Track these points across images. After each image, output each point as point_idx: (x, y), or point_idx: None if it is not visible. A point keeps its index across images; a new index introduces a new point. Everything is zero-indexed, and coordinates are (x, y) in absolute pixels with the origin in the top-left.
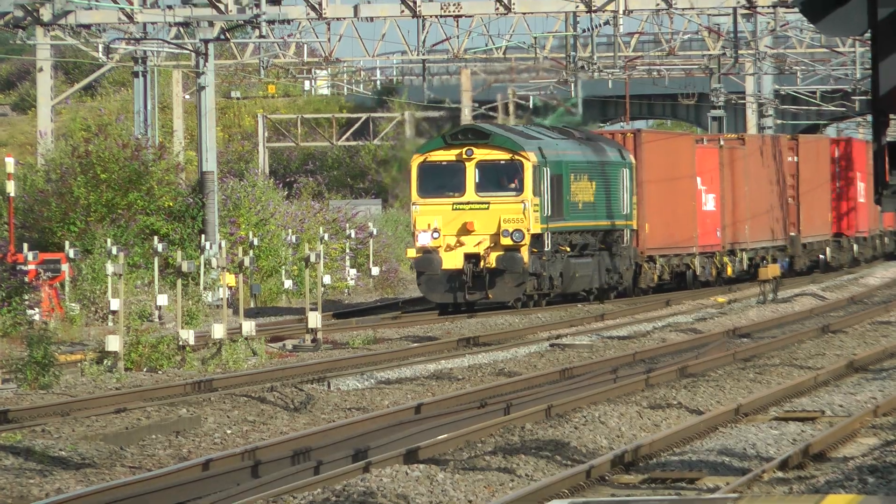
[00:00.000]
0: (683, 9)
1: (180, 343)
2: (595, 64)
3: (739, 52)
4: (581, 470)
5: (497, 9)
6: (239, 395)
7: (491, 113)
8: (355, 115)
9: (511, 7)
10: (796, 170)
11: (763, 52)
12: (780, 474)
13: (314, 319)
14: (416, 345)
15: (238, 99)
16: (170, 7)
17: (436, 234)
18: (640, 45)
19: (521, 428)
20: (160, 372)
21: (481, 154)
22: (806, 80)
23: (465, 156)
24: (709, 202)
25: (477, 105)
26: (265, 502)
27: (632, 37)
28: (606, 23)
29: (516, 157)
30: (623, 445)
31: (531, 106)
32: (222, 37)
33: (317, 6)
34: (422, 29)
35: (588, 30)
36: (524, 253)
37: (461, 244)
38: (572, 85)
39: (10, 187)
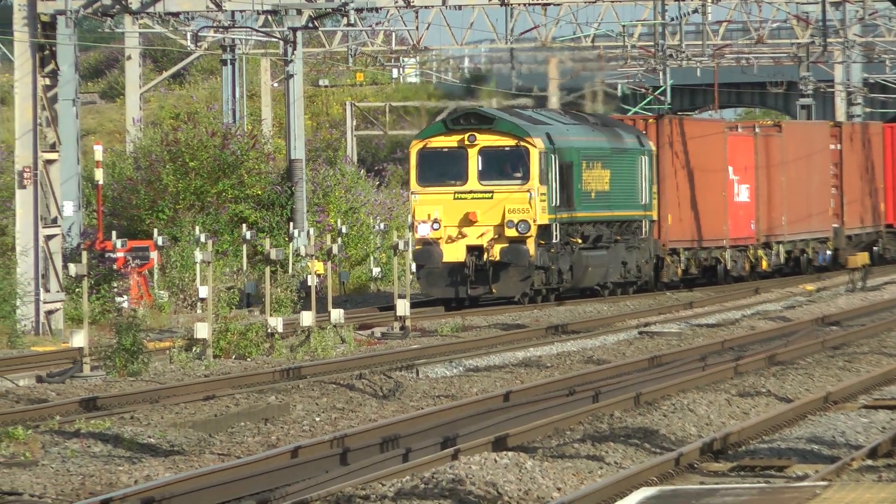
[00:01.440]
0: None
1: (269, 331)
2: (683, 52)
3: (828, 40)
4: (670, 458)
5: None
6: (327, 382)
7: (579, 101)
8: (443, 104)
9: None
10: (839, 158)
11: (852, 40)
12: (869, 462)
13: (402, 307)
14: (504, 332)
15: (326, 87)
16: None
17: (436, 225)
18: (728, 34)
19: (610, 416)
20: (249, 359)
21: (484, 140)
22: (895, 68)
23: (467, 142)
24: (741, 192)
25: (565, 93)
26: (354, 489)
27: (720, 25)
28: (695, 11)
29: (522, 142)
30: (712, 433)
31: (619, 94)
32: (310, 25)
33: None
34: (510, 17)
35: (676, 18)
36: (530, 245)
37: (463, 236)
38: (660, 73)
39: (99, 175)
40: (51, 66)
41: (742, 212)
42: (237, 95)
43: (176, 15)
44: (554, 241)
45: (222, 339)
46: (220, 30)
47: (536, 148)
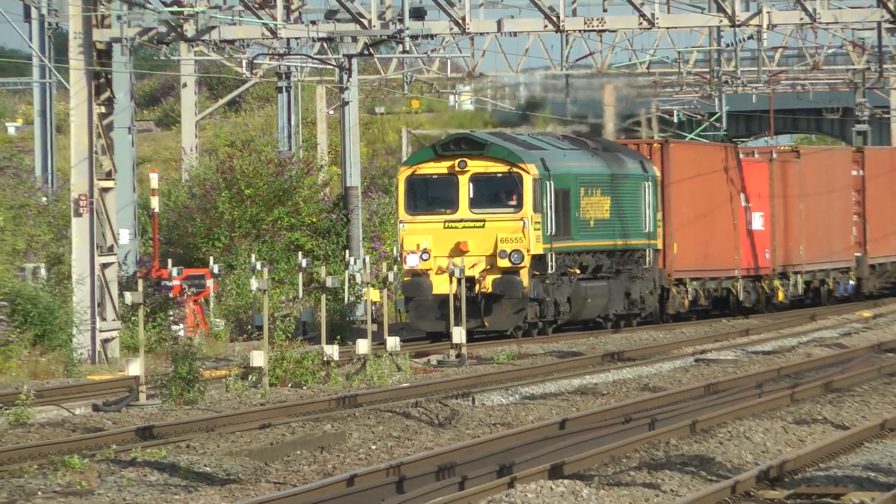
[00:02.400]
0: (827, 23)
1: (325, 359)
2: (739, 78)
3: (884, 66)
4: (726, 485)
5: (640, 23)
6: (383, 410)
7: (635, 128)
8: (499, 130)
9: (654, 22)
10: (862, 184)
11: None
12: None
13: (458, 335)
14: (560, 360)
15: (382, 114)
16: (313, 22)
17: (425, 256)
18: (784, 60)
19: (666, 443)
20: (305, 387)
21: (476, 166)
22: None
23: (457, 168)
24: (755, 220)
25: (620, 120)
26: None
27: (776, 51)
28: (750, 37)
29: (514, 169)
30: (768, 460)
31: (675, 120)
32: (366, 52)
33: (460, 21)
34: (565, 44)
35: (732, 44)
36: (524, 276)
37: (455, 266)
38: (716, 99)
39: (155, 203)
40: (106, 94)
41: (756, 240)
42: (292, 123)
43: (231, 42)
44: (550, 271)
45: (278, 367)
46: (276, 57)
47: (530, 174)
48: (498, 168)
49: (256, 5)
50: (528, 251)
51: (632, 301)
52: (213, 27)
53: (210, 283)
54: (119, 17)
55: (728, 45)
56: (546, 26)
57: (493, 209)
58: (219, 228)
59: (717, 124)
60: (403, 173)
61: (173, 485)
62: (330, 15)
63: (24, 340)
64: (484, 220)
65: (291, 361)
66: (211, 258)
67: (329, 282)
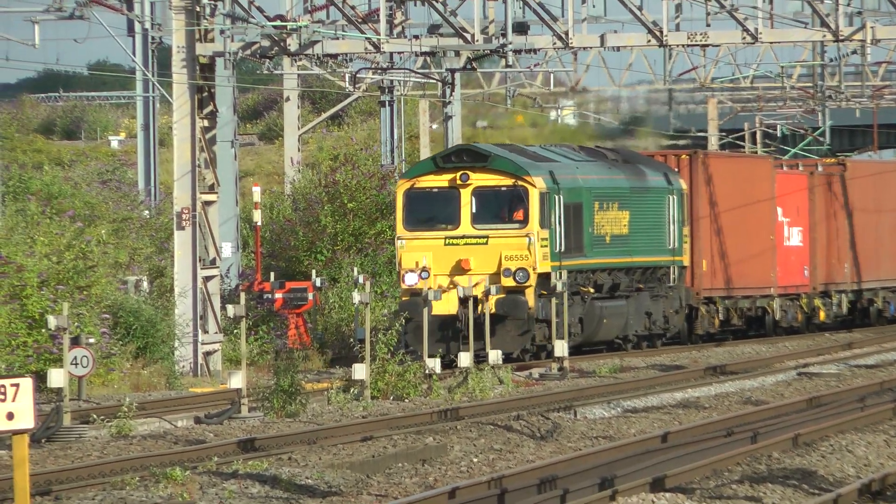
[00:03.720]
0: None
1: (427, 371)
2: (842, 93)
3: None
4: (828, 499)
5: (744, 38)
6: (485, 423)
7: (738, 142)
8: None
9: (758, 37)
10: None
11: None
12: None
13: (560, 348)
14: (662, 373)
15: (484, 128)
16: (416, 37)
17: (425, 274)
18: (888, 74)
19: (768, 456)
20: (406, 400)
21: (479, 179)
22: None
23: (459, 181)
24: (793, 236)
25: (724, 134)
26: None
27: (879, 66)
28: (854, 52)
29: (520, 182)
30: (870, 474)
31: (778, 135)
32: (469, 66)
33: (563, 35)
34: (668, 58)
35: (835, 59)
36: (529, 296)
37: (455, 285)
38: (819, 114)
39: (257, 216)
40: (209, 108)
41: (793, 257)
42: (395, 137)
43: (334, 57)
44: (558, 290)
45: (380, 380)
46: (379, 71)
47: (536, 188)
48: (502, 181)
49: (359, 20)
50: (534, 269)
51: (654, 321)
52: (316, 41)
53: (312, 296)
54: (222, 32)
55: (832, 60)
56: (649, 41)
57: (497, 225)
58: (321, 242)
59: (821, 139)
60: (402, 186)
61: (274, 497)
62: (433, 29)
63: (126, 353)
64: (487, 237)
65: (393, 374)
66: (313, 271)
67: (431, 295)
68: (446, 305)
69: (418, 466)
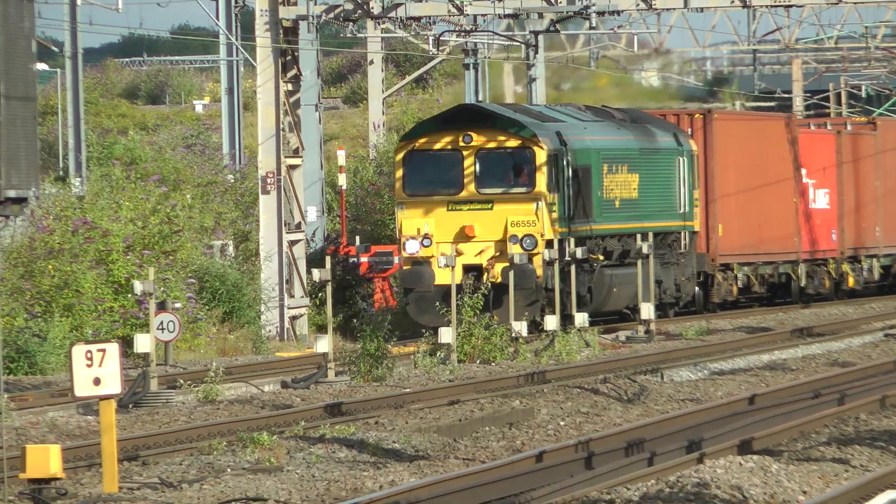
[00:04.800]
0: None
1: (513, 335)
2: None
3: None
4: None
5: None
6: (572, 386)
7: (823, 103)
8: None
9: None
10: None
11: None
12: None
13: (647, 311)
14: (749, 335)
15: (568, 91)
16: None
17: (427, 242)
18: None
19: (855, 418)
20: (493, 364)
21: (482, 140)
22: None
23: (462, 143)
24: (819, 199)
25: (808, 95)
26: (599, 494)
27: None
28: None
29: (526, 143)
30: None
31: (863, 95)
32: (552, 28)
33: None
34: (752, 19)
35: None
36: (537, 264)
37: (459, 253)
38: None
39: (342, 180)
40: (293, 72)
41: (819, 220)
42: (480, 99)
43: (418, 19)
44: (566, 258)
45: (466, 343)
46: (462, 34)
47: (544, 149)
48: (508, 142)
49: None
50: (541, 236)
51: (664, 289)
52: (400, 4)
53: (398, 259)
54: None
55: None
56: (733, 2)
57: (503, 189)
58: None
59: None
60: (402, 149)
61: (362, 461)
62: None
63: (212, 318)
64: (492, 202)
65: (480, 338)
66: None
67: (517, 258)
68: (450, 274)
69: (505, 430)
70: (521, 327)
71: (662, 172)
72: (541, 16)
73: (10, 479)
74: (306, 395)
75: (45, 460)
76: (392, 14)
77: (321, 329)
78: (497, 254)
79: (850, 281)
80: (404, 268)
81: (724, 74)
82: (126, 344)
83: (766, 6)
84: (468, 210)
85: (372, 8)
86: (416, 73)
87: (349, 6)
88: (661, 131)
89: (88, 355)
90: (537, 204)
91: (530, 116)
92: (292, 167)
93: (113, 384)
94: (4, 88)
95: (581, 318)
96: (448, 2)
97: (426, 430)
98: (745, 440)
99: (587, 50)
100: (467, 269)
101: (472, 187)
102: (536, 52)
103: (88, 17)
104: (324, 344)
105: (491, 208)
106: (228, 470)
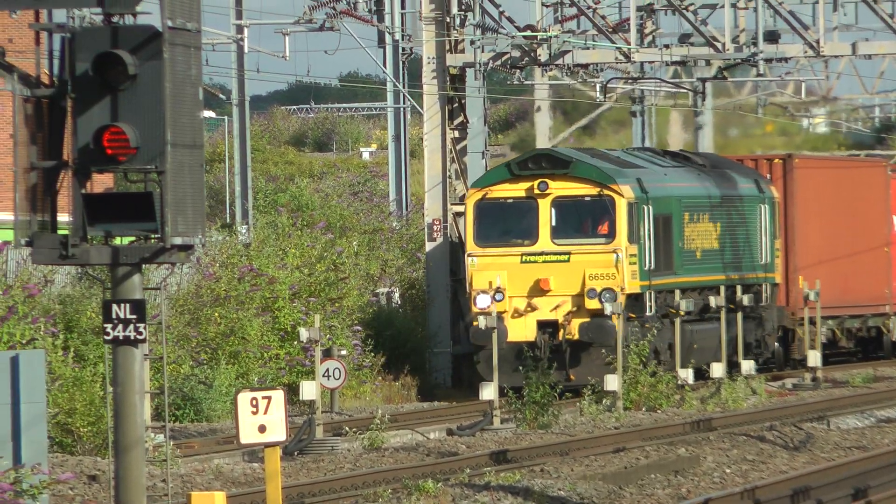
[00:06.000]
0: None
1: (679, 382)
2: None
3: None
4: None
5: None
6: (737, 434)
7: None
8: (852, 153)
9: None
10: None
11: None
12: None
13: (814, 358)
14: None
15: (736, 137)
16: (667, 46)
17: (499, 296)
18: None
19: None
20: (659, 411)
21: (559, 188)
22: None
23: (537, 190)
24: None
25: None
26: None
27: None
28: None
29: (606, 191)
30: None
31: None
32: (719, 75)
33: (814, 44)
34: None
35: None
36: (616, 319)
37: (533, 308)
38: None
39: None
40: (459, 119)
41: None
42: (647, 146)
43: (585, 66)
44: (648, 313)
45: (632, 390)
46: (629, 81)
47: (624, 197)
48: (585, 190)
49: (610, 30)
50: (621, 290)
51: (746, 345)
52: (567, 51)
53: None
54: (472, 43)
55: None
56: None
57: (580, 239)
58: None
59: None
60: (472, 197)
61: None
62: (683, 38)
63: (377, 364)
64: (569, 253)
65: (646, 385)
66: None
67: (684, 305)
68: (523, 331)
69: (671, 477)
70: (687, 374)
71: (744, 221)
72: (708, 63)
73: None
74: (472, 442)
75: None
76: (559, 61)
77: None
78: (574, 309)
79: None
80: (474, 324)
81: (893, 121)
82: (292, 391)
83: None
84: (543, 262)
85: (539, 55)
86: (583, 121)
87: (516, 53)
88: (743, 178)
89: (254, 402)
90: (617, 255)
91: (609, 162)
92: (458, 214)
93: (278, 431)
94: (171, 136)
95: (748, 366)
96: (615, 49)
97: (591, 477)
98: None
99: (754, 96)
100: (542, 325)
101: (547, 238)
102: (704, 99)
103: (256, 65)
104: (489, 391)
105: (568, 260)
106: None
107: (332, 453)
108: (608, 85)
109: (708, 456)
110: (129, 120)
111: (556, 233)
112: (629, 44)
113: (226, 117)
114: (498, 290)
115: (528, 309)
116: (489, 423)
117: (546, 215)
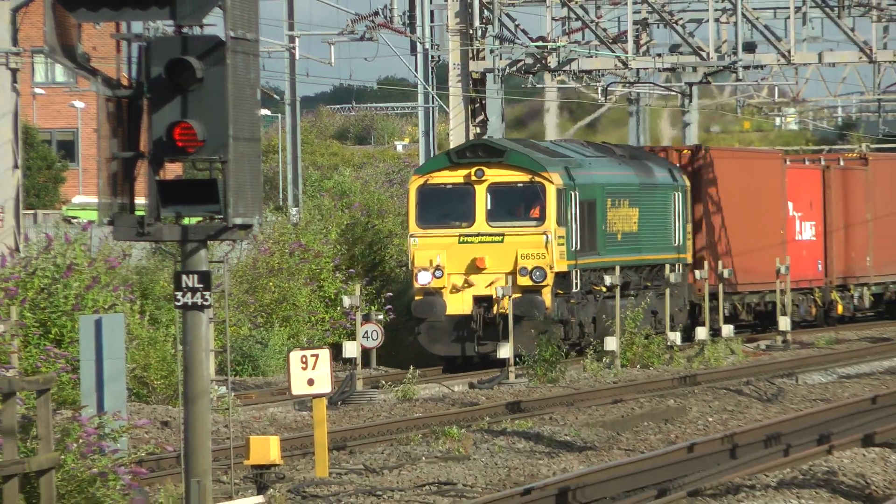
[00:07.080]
0: None
1: (669, 343)
2: None
3: None
4: None
5: None
6: (719, 388)
7: None
8: (818, 147)
9: None
10: None
11: None
12: None
13: (784, 323)
14: (872, 344)
15: (717, 133)
16: (659, 55)
17: (438, 273)
18: None
19: None
20: (651, 368)
21: (494, 175)
22: None
23: (474, 177)
24: (805, 231)
25: None
26: (741, 480)
27: None
28: None
29: (537, 178)
30: None
31: None
32: (704, 80)
33: (786, 53)
34: (877, 72)
35: None
36: (546, 295)
37: (469, 285)
38: None
39: None
40: (481, 117)
41: (805, 252)
42: (640, 142)
43: (589, 72)
44: (574, 289)
45: (628, 350)
46: (627, 85)
47: (553, 184)
48: (518, 177)
49: (610, 41)
50: (550, 268)
51: (659, 320)
52: (573, 59)
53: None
54: (492, 51)
55: None
56: (861, 58)
57: (513, 222)
58: None
59: None
60: (415, 182)
61: (538, 451)
62: (674, 48)
63: (408, 328)
64: (503, 235)
65: (640, 346)
66: None
67: (673, 278)
68: (461, 305)
69: (661, 425)
70: (675, 337)
71: (660, 207)
72: (694, 69)
73: (235, 465)
74: (490, 394)
75: (266, 449)
76: (567, 67)
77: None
78: (507, 285)
79: (840, 308)
80: (416, 298)
81: (853, 120)
82: (336, 350)
83: (889, 62)
84: (479, 243)
85: (549, 62)
86: (586, 120)
87: (529, 61)
88: (659, 167)
89: (304, 360)
90: (547, 237)
91: (540, 152)
92: None
93: (324, 384)
94: (233, 130)
95: (727, 330)
96: (615, 57)
97: (593, 424)
98: (868, 434)
99: (734, 98)
100: (478, 299)
101: (483, 221)
102: (691, 101)
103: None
104: (505, 350)
105: (502, 241)
106: (423, 458)
107: (370, 403)
108: (608, 88)
109: (693, 407)
110: (196, 117)
111: (492, 216)
112: (627, 53)
113: (279, 115)
114: (438, 268)
115: (466, 285)
116: (505, 377)
117: (482, 200)
